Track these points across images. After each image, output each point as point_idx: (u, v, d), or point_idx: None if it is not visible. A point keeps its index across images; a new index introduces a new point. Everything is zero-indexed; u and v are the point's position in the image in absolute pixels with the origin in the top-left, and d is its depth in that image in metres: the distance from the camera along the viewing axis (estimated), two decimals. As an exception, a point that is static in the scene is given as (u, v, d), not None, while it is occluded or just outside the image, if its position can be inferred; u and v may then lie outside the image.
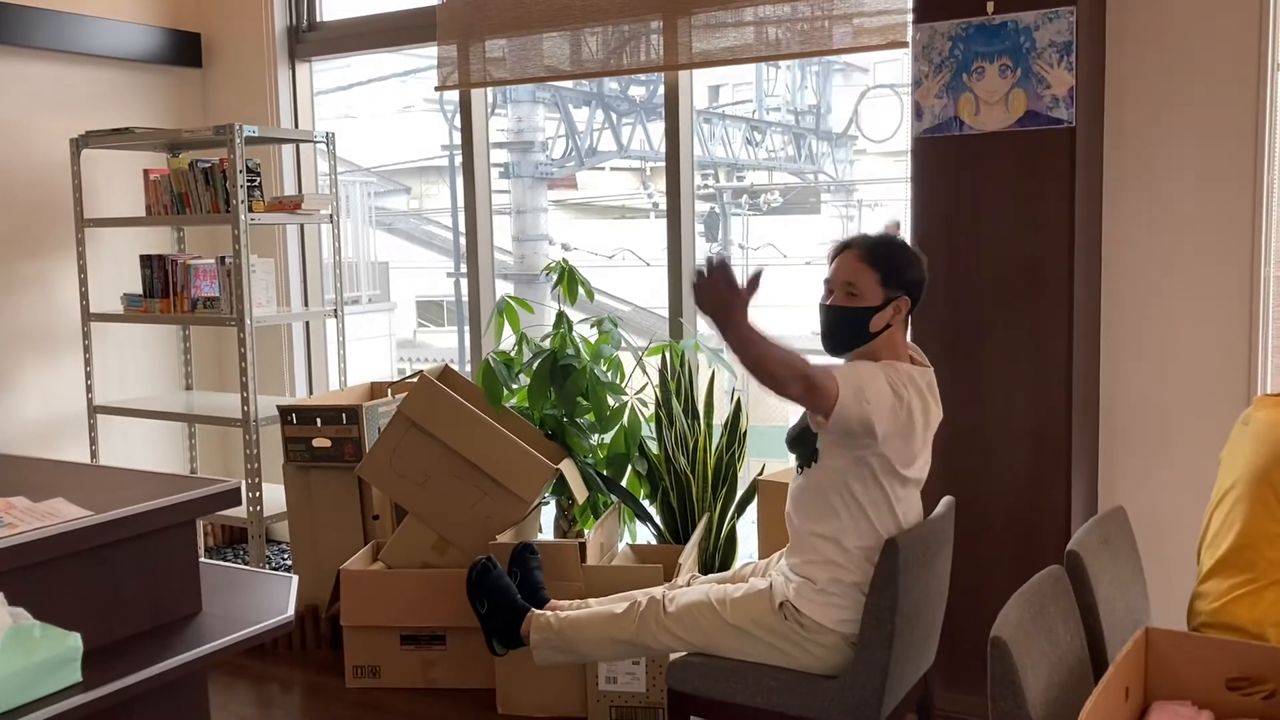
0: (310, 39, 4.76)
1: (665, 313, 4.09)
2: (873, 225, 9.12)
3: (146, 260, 4.28)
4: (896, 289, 2.41)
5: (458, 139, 4.47)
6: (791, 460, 2.57)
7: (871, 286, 2.40)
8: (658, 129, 8.84)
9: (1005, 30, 2.94)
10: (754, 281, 2.23)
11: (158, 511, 1.85)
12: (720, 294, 2.21)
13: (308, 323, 4.90)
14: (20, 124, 4.36)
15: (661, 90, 3.99)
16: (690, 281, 2.19)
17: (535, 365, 3.59)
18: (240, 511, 4.08)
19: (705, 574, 3.28)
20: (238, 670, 3.70)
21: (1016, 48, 2.93)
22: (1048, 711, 1.73)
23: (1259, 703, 1.78)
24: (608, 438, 3.71)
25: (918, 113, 3.09)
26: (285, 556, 4.59)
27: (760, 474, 3.51)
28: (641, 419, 3.70)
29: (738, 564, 3.57)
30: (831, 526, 2.40)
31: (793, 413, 2.53)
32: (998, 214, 3.02)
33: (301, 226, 4.82)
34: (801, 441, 2.46)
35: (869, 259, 2.41)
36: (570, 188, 10.36)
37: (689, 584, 2.74)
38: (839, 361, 2.47)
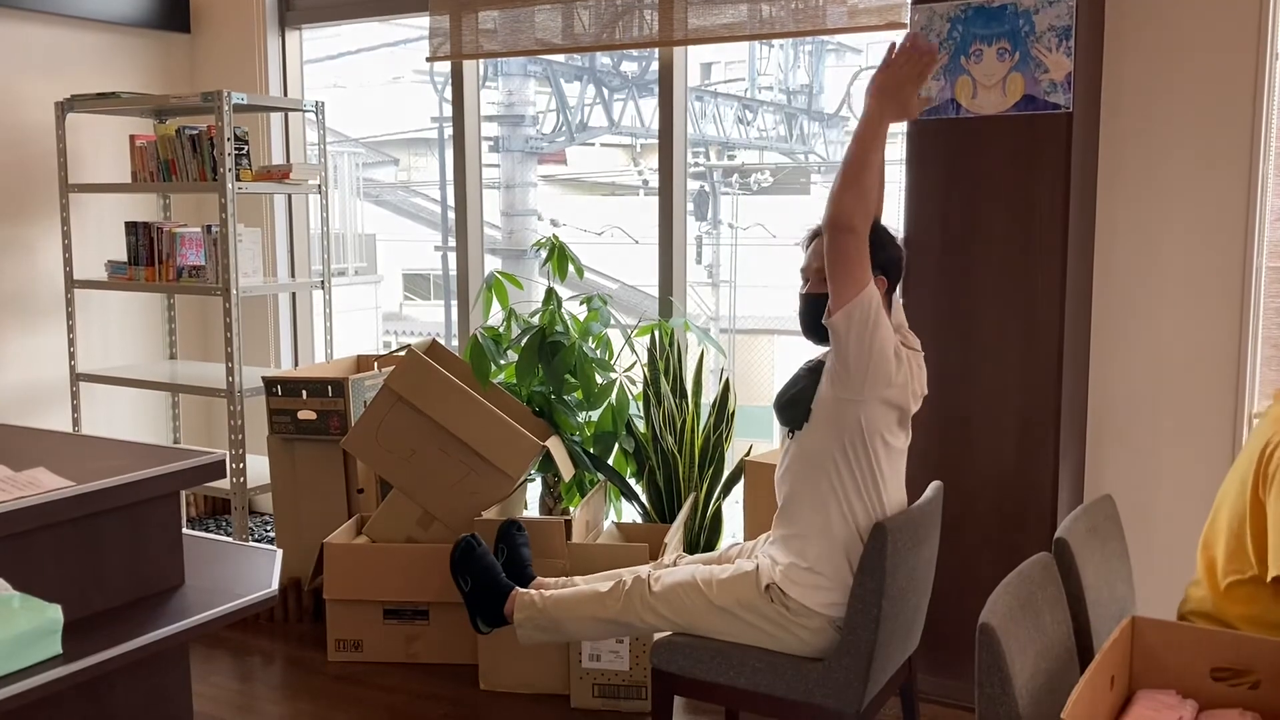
0: (300, 6, 4.70)
1: (653, 291, 4.07)
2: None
3: (132, 227, 4.23)
4: (871, 269, 2.38)
5: (448, 111, 4.43)
6: (776, 443, 2.56)
7: None
8: (649, 105, 8.81)
9: (1004, 13, 2.92)
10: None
11: (141, 483, 1.84)
12: (909, 77, 2.31)
13: (294, 294, 4.86)
14: (4, 86, 4.30)
15: (654, 67, 3.95)
16: (905, 42, 2.32)
17: (524, 341, 3.57)
18: (223, 483, 4.05)
19: (690, 554, 3.27)
20: (218, 642, 3.69)
21: (1015, 31, 2.91)
22: (1033, 698, 1.73)
23: (1243, 692, 1.78)
24: (595, 415, 3.70)
25: (914, 95, 3.07)
26: (268, 528, 4.57)
27: (747, 454, 3.50)
28: (629, 397, 3.69)
29: (723, 544, 3.57)
30: (818, 499, 2.39)
31: (779, 384, 2.52)
32: (992, 198, 3.01)
33: (289, 196, 4.78)
34: (794, 404, 2.44)
35: None
36: (560, 163, 10.31)
37: (675, 564, 2.73)
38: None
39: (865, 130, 2.29)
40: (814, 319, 2.41)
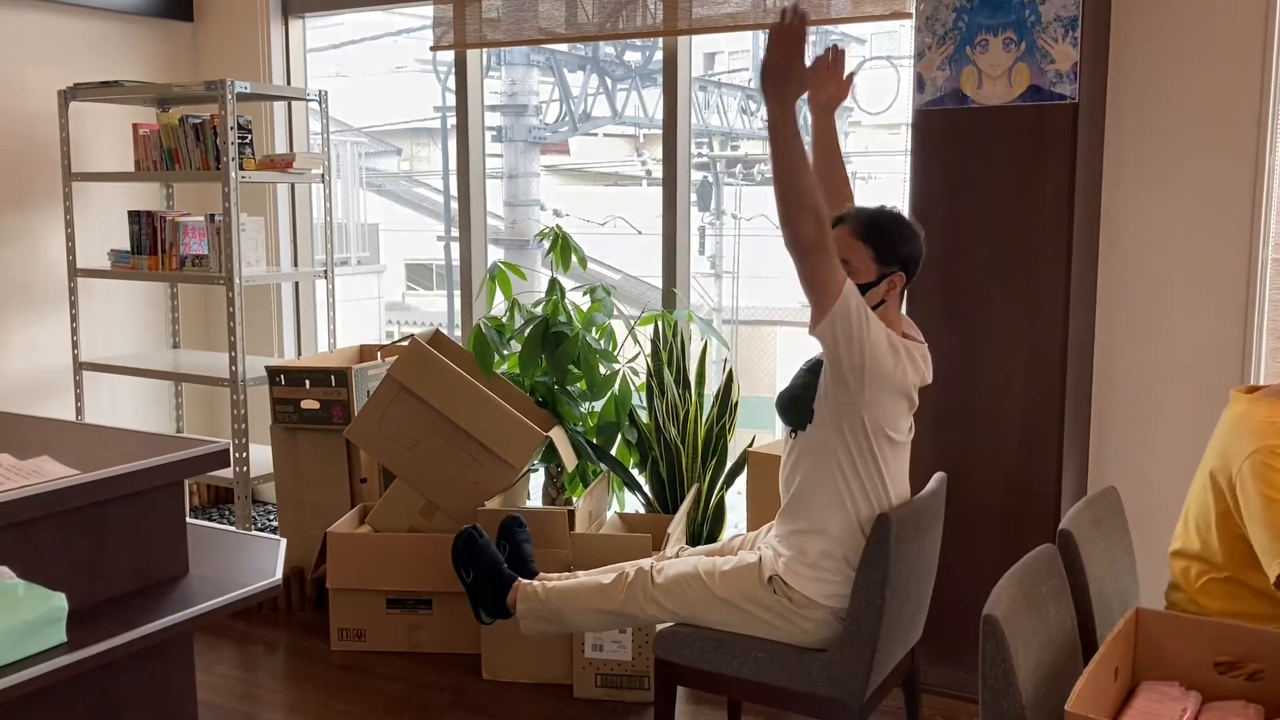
0: (304, -5, 4.69)
1: (656, 281, 4.07)
2: (867, 198, 9.07)
3: (135, 216, 4.23)
4: (891, 264, 2.37)
5: (451, 100, 4.42)
6: (779, 434, 2.55)
7: (865, 262, 2.36)
8: (652, 95, 8.79)
9: (1010, 3, 2.91)
10: (838, 58, 2.26)
11: (145, 472, 1.83)
12: (789, 54, 2.07)
13: (297, 283, 4.86)
14: (7, 75, 4.29)
15: (657, 56, 3.94)
16: (771, 27, 2.07)
17: (527, 332, 3.57)
18: (227, 472, 4.05)
19: (693, 544, 3.27)
20: (221, 631, 3.69)
21: (1021, 21, 2.90)
22: (1037, 689, 1.74)
23: (1245, 683, 1.78)
24: (598, 406, 3.70)
25: (919, 85, 3.06)
26: (271, 517, 4.58)
27: (750, 445, 3.50)
28: (632, 388, 3.69)
29: (726, 535, 3.57)
30: (823, 498, 2.39)
31: (783, 380, 2.50)
32: (997, 189, 3.00)
33: (292, 186, 4.77)
34: (796, 404, 2.42)
35: (863, 234, 2.37)
36: (563, 153, 10.29)
37: (677, 555, 2.73)
38: None
39: (776, 123, 2.13)
40: None
